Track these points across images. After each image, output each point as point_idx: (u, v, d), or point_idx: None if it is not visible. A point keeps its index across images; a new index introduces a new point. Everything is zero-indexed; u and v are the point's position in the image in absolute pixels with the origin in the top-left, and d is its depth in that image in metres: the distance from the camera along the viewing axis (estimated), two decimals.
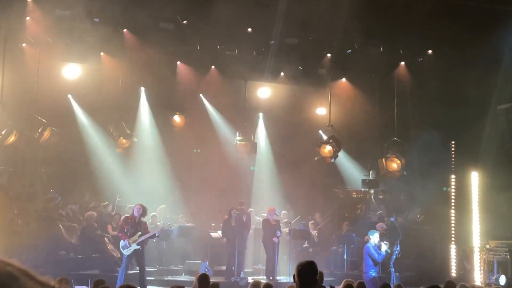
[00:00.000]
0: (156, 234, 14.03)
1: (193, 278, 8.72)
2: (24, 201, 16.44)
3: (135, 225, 13.78)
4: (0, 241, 14.26)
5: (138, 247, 13.68)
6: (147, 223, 14.84)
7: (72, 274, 13.21)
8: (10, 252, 13.94)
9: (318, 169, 20.59)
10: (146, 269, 14.36)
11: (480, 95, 16.72)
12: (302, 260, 5.13)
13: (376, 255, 14.28)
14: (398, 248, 15.60)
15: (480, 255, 16.35)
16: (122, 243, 13.73)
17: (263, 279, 15.21)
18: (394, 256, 15.55)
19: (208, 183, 20.94)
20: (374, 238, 14.46)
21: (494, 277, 15.63)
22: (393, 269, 15.47)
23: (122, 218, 15.15)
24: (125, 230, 13.72)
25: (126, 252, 13.64)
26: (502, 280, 15.33)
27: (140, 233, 13.72)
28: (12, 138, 16.00)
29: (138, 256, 13.87)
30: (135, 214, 13.90)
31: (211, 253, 16.83)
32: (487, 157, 16.37)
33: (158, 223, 16.69)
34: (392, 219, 16.31)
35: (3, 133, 15.75)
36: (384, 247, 14.44)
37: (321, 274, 8.30)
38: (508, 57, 16.52)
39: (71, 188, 19.57)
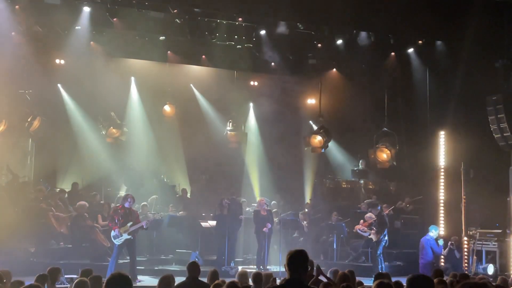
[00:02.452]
0: (144, 226, 14.03)
1: (184, 268, 8.74)
2: (14, 191, 16.39)
3: (125, 215, 13.81)
4: None
5: (129, 236, 13.73)
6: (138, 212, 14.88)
7: (63, 263, 13.20)
8: (1, 243, 13.94)
9: (308, 159, 20.66)
10: (137, 258, 14.41)
11: (469, 85, 16.78)
12: (292, 249, 5.16)
13: (437, 248, 16.38)
14: (386, 238, 15.74)
15: (468, 245, 16.48)
16: (113, 233, 13.75)
17: (253, 268, 15.28)
18: (382, 246, 15.70)
19: (198, 173, 20.97)
20: (435, 232, 16.53)
21: (482, 267, 15.76)
22: (381, 258, 15.63)
23: (112, 208, 15.17)
24: (116, 220, 13.75)
25: (117, 241, 13.68)
26: (491, 269, 15.48)
27: (131, 223, 13.76)
28: (1, 128, 15.94)
29: (129, 246, 13.92)
30: (126, 204, 13.93)
31: (202, 242, 16.87)
32: (476, 148, 16.44)
33: (148, 213, 16.69)
34: (378, 208, 16.42)
35: None
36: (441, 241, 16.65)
37: (312, 263, 8.34)
38: (496, 47, 16.60)
39: (60, 177, 19.54)
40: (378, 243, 15.71)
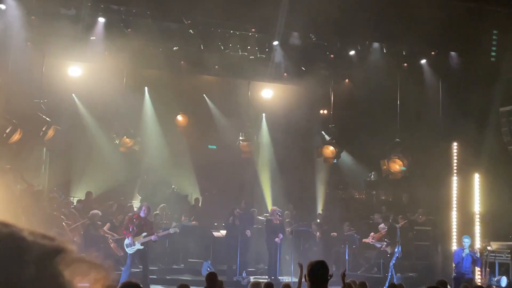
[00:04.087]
0: (153, 239, 14.07)
1: (195, 277, 8.79)
2: (28, 200, 16.50)
3: (140, 225, 13.86)
4: None
5: (142, 247, 13.76)
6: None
7: None
8: None
9: (320, 169, 20.65)
10: (150, 268, 14.46)
11: (482, 97, 16.73)
12: (313, 260, 5.19)
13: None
14: (399, 249, 15.68)
15: (481, 257, 16.36)
16: (126, 241, 13.82)
17: (265, 278, 15.28)
18: (395, 257, 15.64)
19: (210, 183, 21.03)
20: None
21: (495, 279, 15.64)
22: (393, 270, 15.57)
23: (127, 216, 15.23)
24: (130, 229, 13.81)
25: (130, 250, 13.72)
26: (504, 281, 15.35)
27: (145, 233, 13.79)
28: (16, 137, 16.08)
29: (142, 256, 13.95)
30: (142, 214, 14.00)
31: (213, 252, 16.88)
32: (488, 159, 16.38)
33: (161, 228, 16.75)
34: (390, 219, 16.40)
35: (7, 131, 15.82)
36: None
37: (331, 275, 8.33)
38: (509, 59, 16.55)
39: (74, 186, 19.67)
40: (392, 255, 15.68)
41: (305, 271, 5.13)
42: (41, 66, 17.10)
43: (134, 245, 13.70)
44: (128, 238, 13.77)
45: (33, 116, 16.95)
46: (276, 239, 16.07)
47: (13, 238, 0.99)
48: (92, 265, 1.01)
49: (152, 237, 14.04)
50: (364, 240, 16.77)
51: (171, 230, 15.41)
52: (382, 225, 17.17)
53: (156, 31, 16.76)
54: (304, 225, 18.49)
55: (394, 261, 15.68)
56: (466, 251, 15.13)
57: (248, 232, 16.54)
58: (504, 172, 16.44)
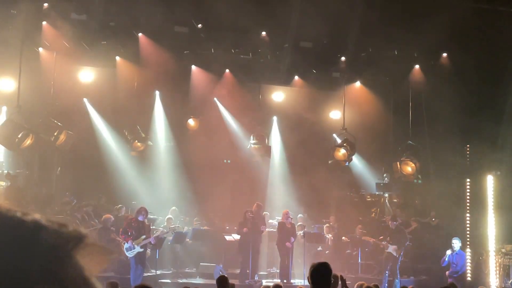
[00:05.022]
0: (152, 242, 14.30)
1: (208, 281, 8.78)
2: (40, 204, 16.57)
3: (138, 228, 14.08)
4: None
5: (142, 249, 14.01)
6: (162, 226, 15.02)
7: None
8: None
9: (332, 172, 20.56)
10: (161, 272, 14.59)
11: (494, 98, 16.62)
12: (315, 262, 5.15)
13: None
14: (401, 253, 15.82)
15: (495, 259, 16.24)
16: (126, 245, 14.03)
17: (277, 282, 15.22)
18: (400, 260, 15.74)
19: (222, 187, 20.98)
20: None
21: (510, 281, 15.52)
22: (398, 273, 15.70)
23: (126, 220, 15.37)
24: (129, 233, 14.02)
25: (130, 254, 13.94)
26: None
27: (144, 236, 14.05)
28: (28, 142, 16.13)
29: (141, 258, 14.18)
30: (140, 217, 14.19)
31: (226, 256, 16.85)
32: (502, 160, 16.27)
33: (159, 228, 16.79)
34: (395, 223, 16.40)
35: (19, 136, 15.88)
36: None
37: (337, 277, 8.29)
38: None
39: (86, 191, 19.70)
40: (398, 257, 15.73)
41: (307, 273, 5.09)
42: (52, 71, 17.16)
43: (134, 248, 13.94)
44: (127, 242, 13.98)
45: (45, 121, 17.02)
46: (287, 244, 16.02)
47: (22, 222, 0.91)
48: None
49: (151, 240, 14.27)
50: (363, 238, 16.92)
51: (165, 230, 15.61)
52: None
53: (167, 34, 16.79)
54: (316, 228, 18.43)
55: (399, 264, 15.80)
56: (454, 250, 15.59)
57: (263, 228, 16.55)
58: None
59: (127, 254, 14.03)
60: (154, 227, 16.89)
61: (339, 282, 8.17)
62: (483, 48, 16.49)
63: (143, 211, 14.40)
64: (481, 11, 16.09)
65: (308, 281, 5.05)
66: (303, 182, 20.76)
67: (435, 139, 19.21)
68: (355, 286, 8.95)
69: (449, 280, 14.83)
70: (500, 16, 15.80)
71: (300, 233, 17.03)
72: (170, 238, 16.25)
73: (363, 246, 17.39)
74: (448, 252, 15.72)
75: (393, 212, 19.53)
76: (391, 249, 16.00)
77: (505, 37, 15.79)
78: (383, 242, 16.17)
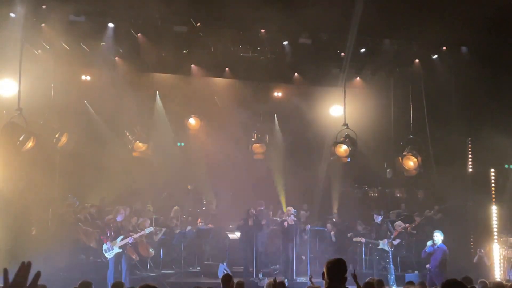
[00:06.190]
0: (130, 242, 14.36)
1: (212, 280, 8.80)
2: (43, 206, 16.56)
3: (117, 228, 14.06)
4: (18, 247, 14.33)
5: (121, 250, 13.92)
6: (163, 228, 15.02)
7: (92, 277, 13.28)
8: (30, 258, 14.03)
9: (334, 168, 20.56)
10: (165, 271, 14.55)
11: (496, 91, 16.59)
12: (331, 258, 5.11)
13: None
14: (387, 246, 15.94)
15: (499, 251, 16.23)
16: (104, 246, 14.01)
17: (281, 279, 15.21)
18: (391, 254, 15.85)
19: (224, 185, 21.00)
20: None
21: None
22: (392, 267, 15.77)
23: (105, 221, 15.35)
24: (108, 234, 14.00)
25: (109, 255, 13.89)
26: None
27: (122, 236, 14.02)
28: (29, 144, 16.11)
29: (120, 259, 14.09)
30: (118, 218, 14.19)
31: (229, 254, 16.84)
32: (504, 154, 16.25)
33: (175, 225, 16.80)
34: (380, 218, 16.50)
35: (21, 139, 15.86)
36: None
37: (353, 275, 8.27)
38: None
39: (88, 192, 19.70)
40: (389, 252, 15.88)
41: (323, 269, 5.05)
42: (52, 73, 17.14)
43: (113, 249, 13.91)
44: (106, 243, 13.95)
45: (46, 124, 17.00)
46: (285, 223, 16.17)
47: None
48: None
49: (129, 240, 14.28)
50: (354, 239, 17.04)
51: (147, 230, 15.51)
52: (398, 222, 17.10)
53: (166, 34, 16.75)
54: (319, 224, 18.42)
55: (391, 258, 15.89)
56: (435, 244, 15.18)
57: (264, 221, 16.57)
58: None
59: (106, 255, 14.04)
60: (157, 226, 16.89)
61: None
62: (483, 41, 16.45)
63: (122, 210, 14.46)
64: (480, 3, 16.03)
65: (323, 277, 5.00)
66: (305, 179, 20.77)
67: (437, 133, 19.18)
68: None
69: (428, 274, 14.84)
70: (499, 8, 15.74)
71: (304, 229, 17.03)
72: (159, 237, 16.32)
73: (366, 241, 17.37)
74: (429, 243, 15.27)
75: (400, 207, 19.52)
76: (382, 244, 16.08)
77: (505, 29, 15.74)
78: (372, 240, 16.30)
